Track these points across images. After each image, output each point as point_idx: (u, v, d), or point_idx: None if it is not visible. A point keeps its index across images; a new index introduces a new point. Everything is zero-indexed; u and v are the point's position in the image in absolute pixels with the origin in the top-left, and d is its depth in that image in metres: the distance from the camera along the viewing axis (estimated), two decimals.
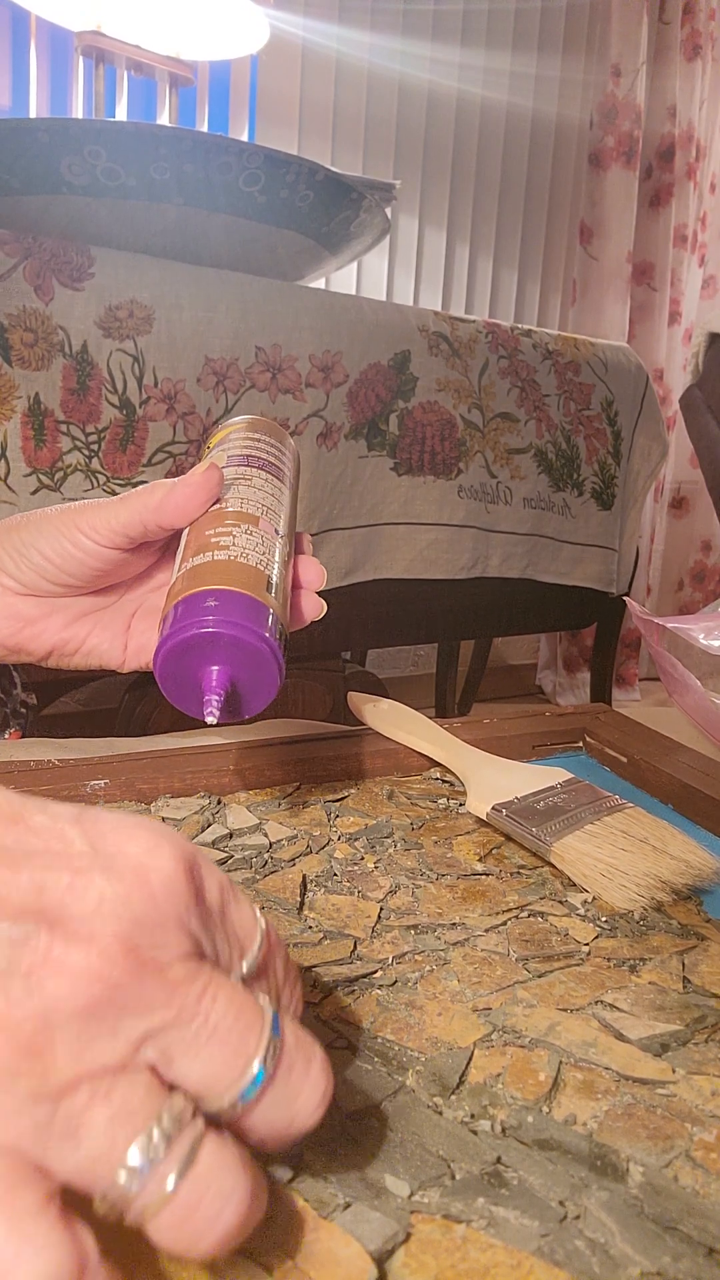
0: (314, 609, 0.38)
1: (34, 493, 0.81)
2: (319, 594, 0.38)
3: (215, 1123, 0.17)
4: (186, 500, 0.36)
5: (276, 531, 0.37)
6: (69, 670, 0.41)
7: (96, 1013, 0.16)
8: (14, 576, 0.37)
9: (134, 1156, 0.16)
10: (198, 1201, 0.16)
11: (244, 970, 0.19)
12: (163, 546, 0.40)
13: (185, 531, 0.37)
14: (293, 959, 0.21)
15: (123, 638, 0.40)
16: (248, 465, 0.40)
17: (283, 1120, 0.18)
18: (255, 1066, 0.17)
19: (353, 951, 0.31)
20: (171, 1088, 0.17)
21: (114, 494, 0.85)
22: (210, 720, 0.32)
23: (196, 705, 0.33)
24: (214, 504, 0.37)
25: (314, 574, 0.38)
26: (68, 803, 0.19)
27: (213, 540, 0.35)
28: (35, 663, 0.40)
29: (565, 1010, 0.28)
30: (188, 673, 0.33)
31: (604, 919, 0.34)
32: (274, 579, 0.35)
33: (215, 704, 0.32)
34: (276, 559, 0.36)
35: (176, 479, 0.36)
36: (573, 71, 1.99)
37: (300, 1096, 0.18)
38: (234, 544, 0.35)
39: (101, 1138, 0.15)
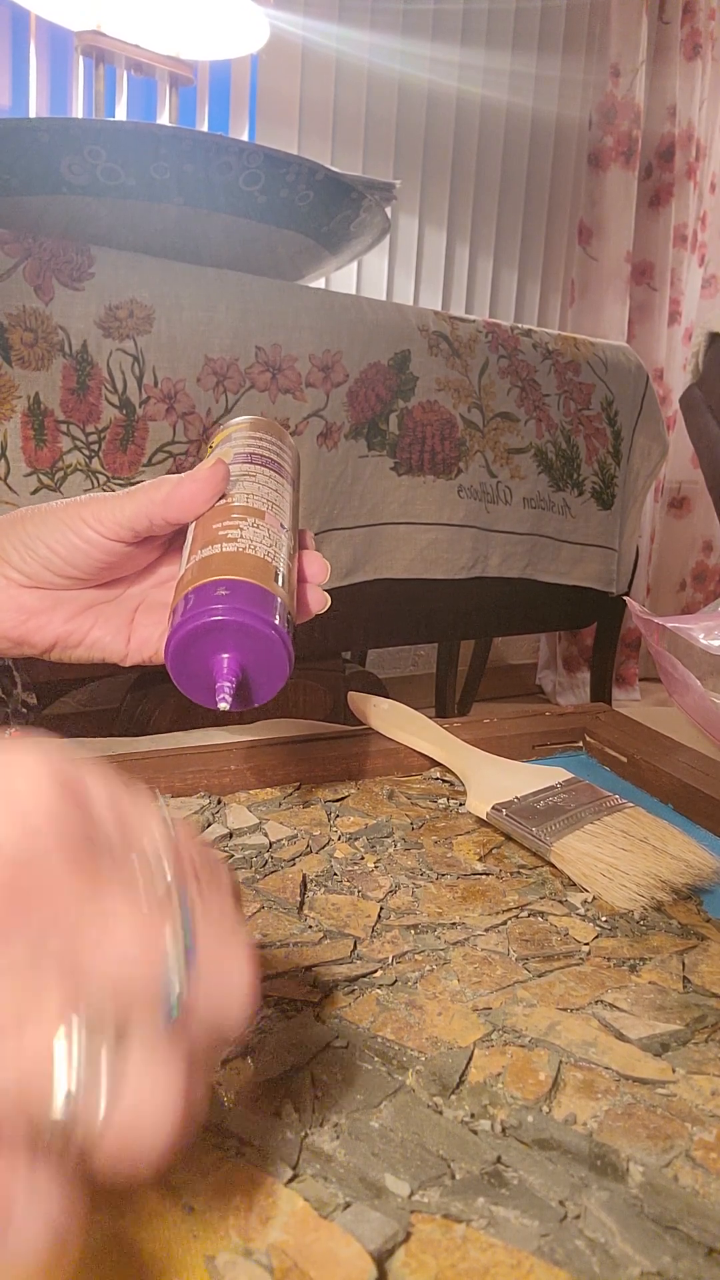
0: (319, 602, 0.38)
1: (34, 492, 0.81)
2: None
3: (138, 1034, 0.17)
4: (193, 495, 0.36)
5: (282, 526, 0.38)
6: (71, 664, 0.41)
7: None
8: (19, 569, 0.37)
9: (60, 1083, 0.15)
10: (133, 1113, 0.16)
11: (153, 876, 0.18)
12: (167, 541, 0.40)
13: (192, 526, 0.37)
14: (216, 855, 0.21)
15: (126, 631, 0.40)
16: (251, 462, 0.40)
17: (208, 1018, 0.17)
18: (168, 976, 0.17)
19: (353, 951, 0.31)
20: (87, 1005, 0.16)
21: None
22: (223, 706, 0.33)
23: (208, 693, 0.34)
24: (220, 499, 0.37)
25: (318, 568, 0.39)
26: None
27: (220, 533, 0.36)
28: (38, 655, 0.40)
29: (565, 1010, 0.28)
30: (199, 661, 0.33)
31: (604, 919, 0.34)
32: (281, 570, 0.35)
33: (228, 690, 0.33)
34: (283, 552, 0.36)
35: (183, 474, 0.37)
36: (572, 71, 1.99)
37: (221, 997, 0.18)
38: (241, 536, 0.35)
39: (21, 1071, 0.15)
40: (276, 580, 0.35)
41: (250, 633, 0.33)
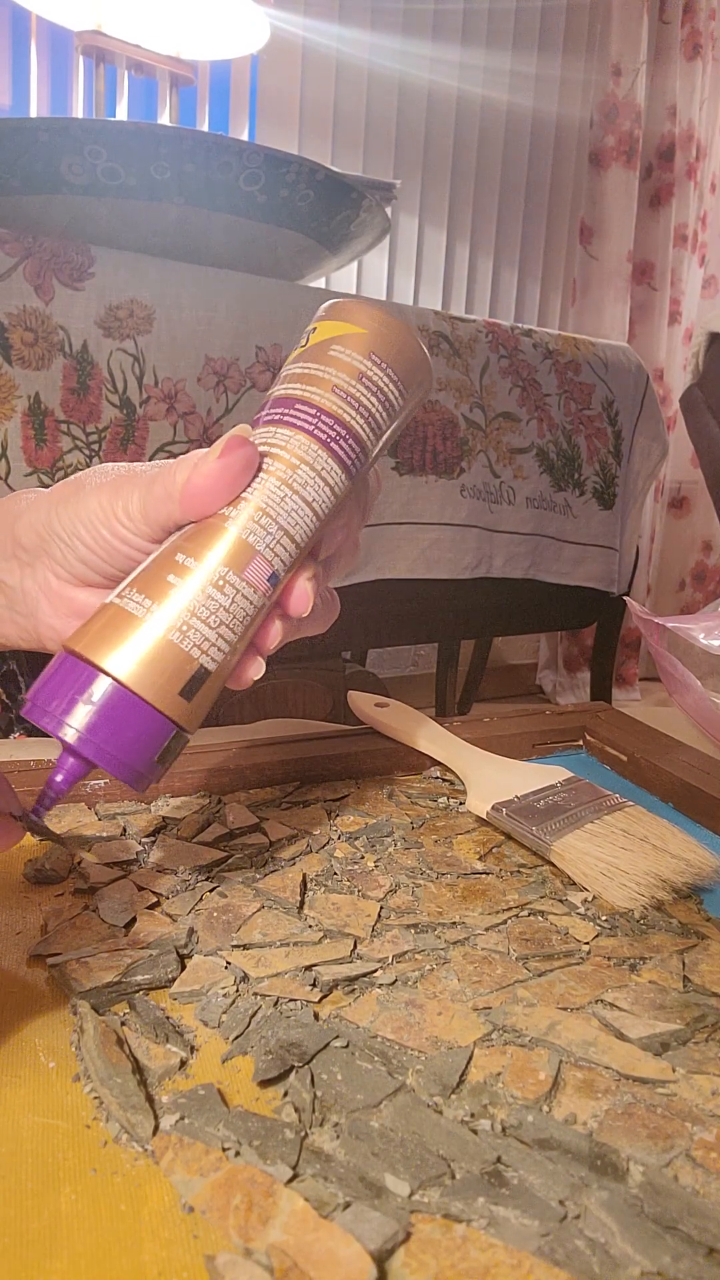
0: (253, 670, 0.30)
1: None
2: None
3: None
4: (204, 491, 0.28)
5: (271, 576, 0.27)
6: None
7: None
8: (65, 567, 0.32)
9: None
10: None
11: None
12: None
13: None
14: None
15: None
16: (285, 424, 0.28)
17: None
18: None
19: (353, 950, 0.31)
20: None
21: None
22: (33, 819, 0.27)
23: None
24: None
25: (298, 600, 0.30)
26: None
27: (168, 579, 0.26)
28: None
29: (565, 1009, 0.28)
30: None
31: (604, 918, 0.34)
32: (212, 666, 0.27)
33: (42, 806, 0.26)
34: (234, 635, 0.27)
35: (203, 454, 0.28)
36: (573, 71, 1.99)
37: None
38: (183, 604, 0.26)
39: None
40: (188, 688, 0.26)
41: (105, 762, 0.26)
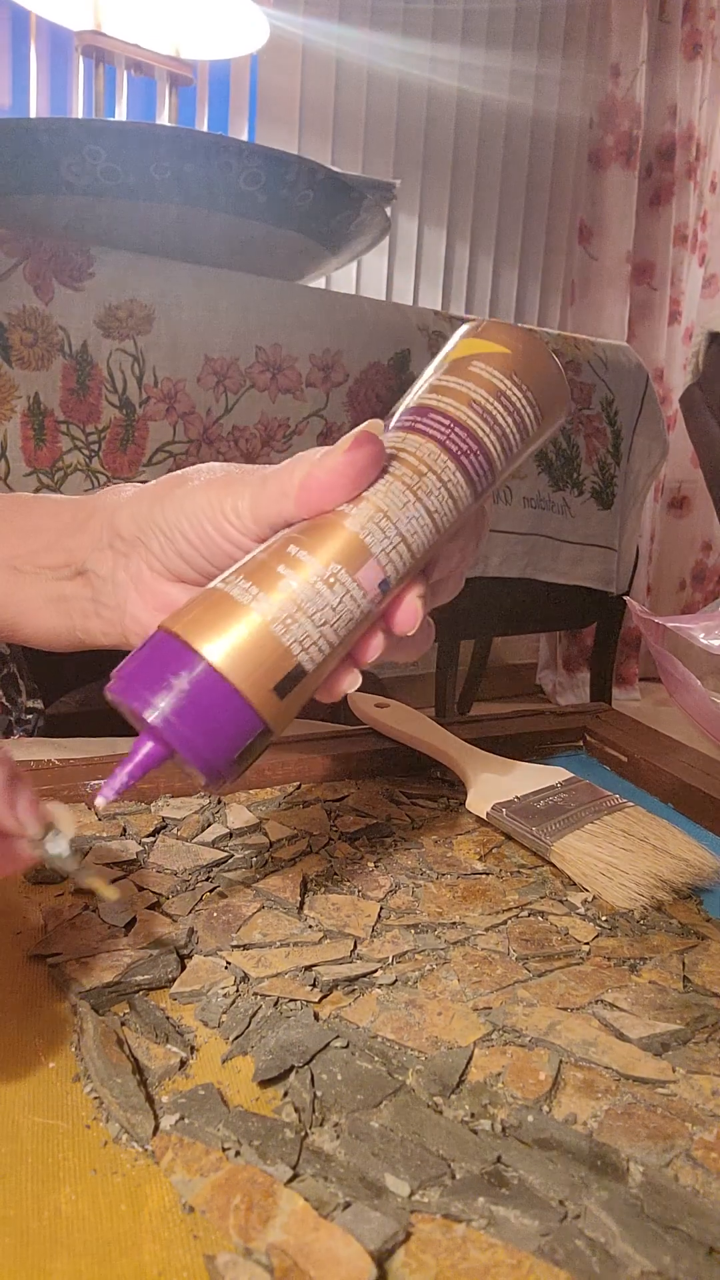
0: (349, 681, 0.29)
1: (34, 492, 0.81)
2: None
3: None
4: (324, 488, 0.26)
5: (383, 582, 0.26)
6: (71, 662, 0.40)
7: None
8: (161, 560, 0.32)
9: None
10: None
11: None
12: None
13: None
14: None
15: None
16: (416, 430, 0.27)
17: None
18: None
19: (353, 951, 0.31)
20: None
21: None
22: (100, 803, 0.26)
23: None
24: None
25: (406, 617, 0.28)
26: None
27: (278, 569, 0.25)
28: None
29: (565, 1009, 0.28)
30: (129, 713, 0.26)
31: (604, 918, 0.34)
32: (309, 666, 0.26)
33: (112, 787, 0.26)
34: (336, 637, 0.26)
35: (325, 450, 0.27)
36: (573, 71, 1.99)
37: None
38: (290, 595, 0.25)
39: None
40: (282, 686, 0.25)
41: (184, 749, 0.25)
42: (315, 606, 0.25)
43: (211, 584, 0.27)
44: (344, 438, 0.27)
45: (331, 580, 0.25)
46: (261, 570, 0.25)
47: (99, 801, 0.26)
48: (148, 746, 0.25)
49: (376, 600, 0.26)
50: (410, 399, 0.29)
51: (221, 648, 0.25)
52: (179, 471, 0.32)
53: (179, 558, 0.31)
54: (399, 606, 0.28)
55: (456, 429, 0.27)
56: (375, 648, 0.29)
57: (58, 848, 0.25)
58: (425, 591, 0.29)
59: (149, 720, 0.25)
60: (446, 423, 0.27)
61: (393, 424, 0.28)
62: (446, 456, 0.27)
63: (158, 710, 0.24)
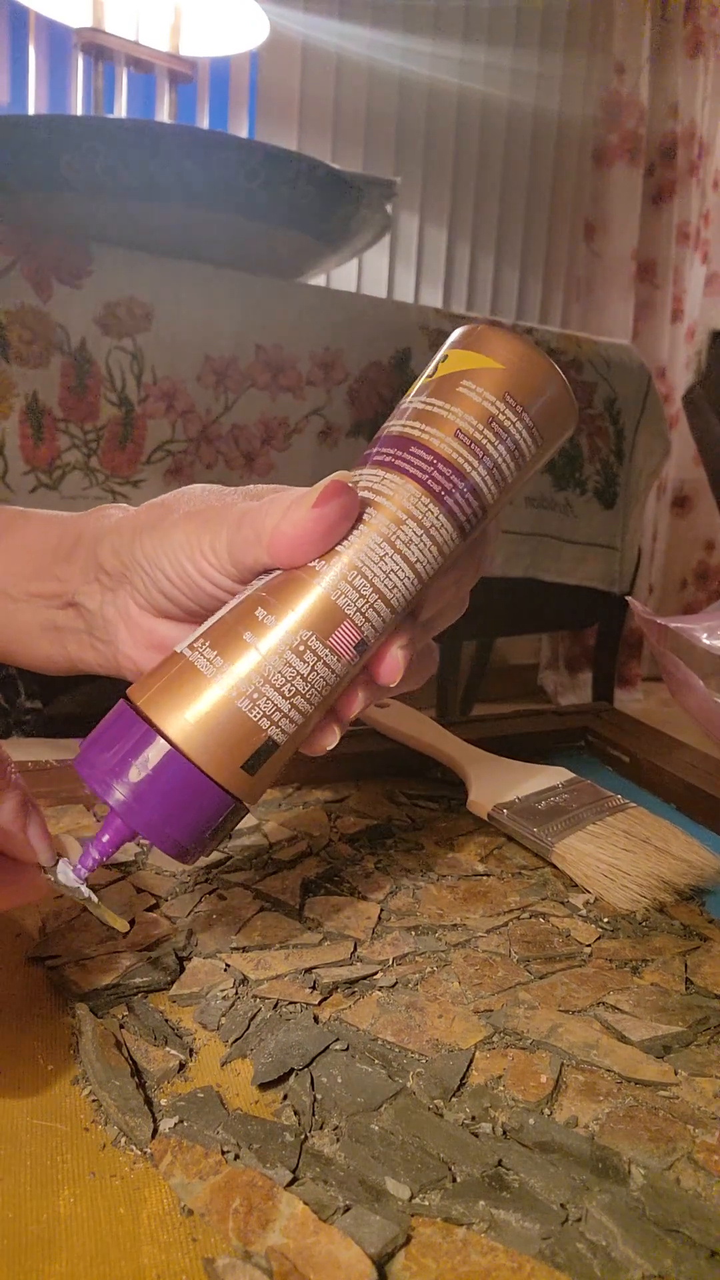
0: (327, 738, 0.27)
1: (32, 490, 0.81)
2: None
3: None
4: (292, 544, 0.25)
5: (359, 644, 0.24)
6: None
7: None
8: (146, 597, 0.31)
9: None
10: None
11: None
12: None
13: None
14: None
15: None
16: (395, 468, 0.25)
17: None
18: None
19: (353, 953, 0.31)
20: None
21: (112, 493, 0.85)
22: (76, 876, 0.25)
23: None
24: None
25: (389, 668, 0.27)
26: None
27: (244, 637, 0.24)
28: None
29: (567, 1012, 0.28)
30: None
31: (606, 920, 0.34)
32: (281, 739, 0.24)
33: (89, 860, 0.25)
34: (310, 706, 0.24)
35: (297, 496, 0.25)
36: (575, 68, 1.98)
37: None
38: (256, 668, 0.23)
39: None
40: (252, 763, 0.24)
41: (148, 832, 0.24)
42: (284, 679, 0.24)
43: (179, 646, 0.25)
44: (313, 488, 0.25)
45: (301, 648, 0.24)
46: (228, 637, 0.24)
47: (59, 879, 0.25)
48: (116, 824, 0.25)
49: (353, 662, 0.25)
50: (393, 423, 0.26)
51: (185, 726, 0.23)
52: (162, 498, 0.31)
53: (163, 596, 0.30)
54: (381, 661, 0.27)
55: (439, 466, 0.24)
56: (358, 703, 0.27)
57: (68, 877, 0.25)
58: (411, 639, 0.27)
59: (111, 805, 0.24)
60: (428, 458, 0.24)
61: (373, 453, 0.26)
62: (429, 498, 0.24)
63: (119, 796, 0.24)
